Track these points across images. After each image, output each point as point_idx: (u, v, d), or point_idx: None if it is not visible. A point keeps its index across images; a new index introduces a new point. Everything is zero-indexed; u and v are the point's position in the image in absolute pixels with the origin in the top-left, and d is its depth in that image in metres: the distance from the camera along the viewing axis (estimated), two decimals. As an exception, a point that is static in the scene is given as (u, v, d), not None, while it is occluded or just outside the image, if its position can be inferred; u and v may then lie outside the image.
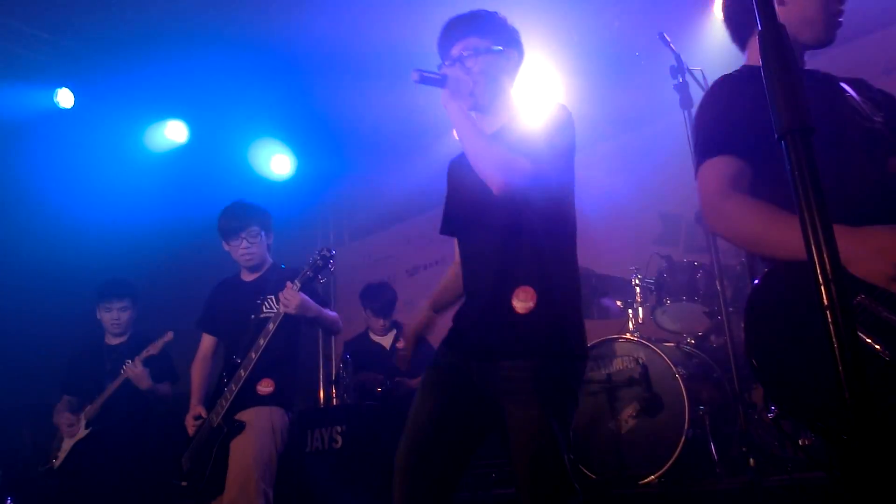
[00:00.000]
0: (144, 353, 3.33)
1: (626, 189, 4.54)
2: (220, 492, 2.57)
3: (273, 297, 2.77)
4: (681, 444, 2.76)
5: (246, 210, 2.93)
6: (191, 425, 2.76)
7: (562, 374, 1.61)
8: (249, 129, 5.00)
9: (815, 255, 0.56)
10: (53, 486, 3.46)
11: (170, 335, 3.37)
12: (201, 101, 4.62)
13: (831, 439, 1.03)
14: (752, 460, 2.52)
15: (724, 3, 1.57)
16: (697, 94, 2.83)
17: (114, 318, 3.56)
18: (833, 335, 0.58)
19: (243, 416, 2.65)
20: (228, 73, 4.34)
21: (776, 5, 0.76)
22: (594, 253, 4.25)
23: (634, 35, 4.15)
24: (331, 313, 2.87)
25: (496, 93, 1.78)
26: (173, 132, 4.75)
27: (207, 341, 3.00)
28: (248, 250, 2.87)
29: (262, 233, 2.92)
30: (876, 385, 0.59)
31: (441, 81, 1.67)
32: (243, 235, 2.86)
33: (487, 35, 1.77)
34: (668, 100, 3.04)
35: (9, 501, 3.73)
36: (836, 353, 0.57)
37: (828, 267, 0.56)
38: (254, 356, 2.63)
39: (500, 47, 1.77)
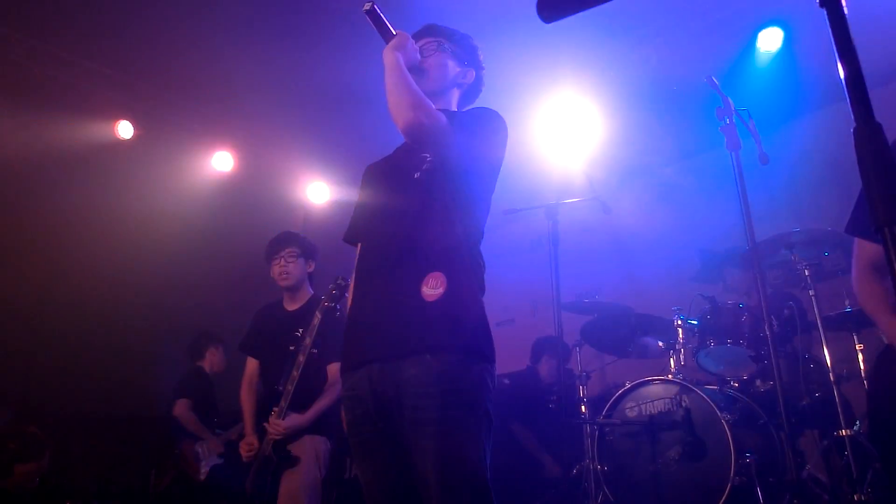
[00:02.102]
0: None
1: (667, 223, 4.51)
2: None
3: (310, 337, 2.83)
4: (726, 492, 2.68)
5: (289, 235, 3.13)
6: (245, 452, 2.84)
7: (474, 386, 1.50)
8: (292, 159, 5.14)
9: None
10: None
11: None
12: (246, 133, 4.79)
13: None
14: (803, 513, 2.43)
15: None
16: (744, 134, 2.81)
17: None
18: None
19: (297, 446, 2.75)
20: (273, 106, 4.49)
21: None
22: (636, 288, 4.22)
23: (674, 68, 4.16)
24: (324, 401, 2.84)
25: (440, 87, 1.80)
26: (220, 162, 4.93)
27: (252, 364, 3.10)
28: (284, 268, 3.00)
29: (302, 258, 3.05)
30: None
31: (387, 31, 1.69)
32: (282, 255, 3.02)
33: (454, 43, 1.85)
34: (710, 135, 3.03)
35: None
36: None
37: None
38: (290, 388, 2.71)
39: (458, 52, 1.84)
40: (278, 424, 2.71)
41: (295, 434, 2.74)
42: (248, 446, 2.84)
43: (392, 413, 1.52)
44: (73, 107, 4.10)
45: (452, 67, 1.84)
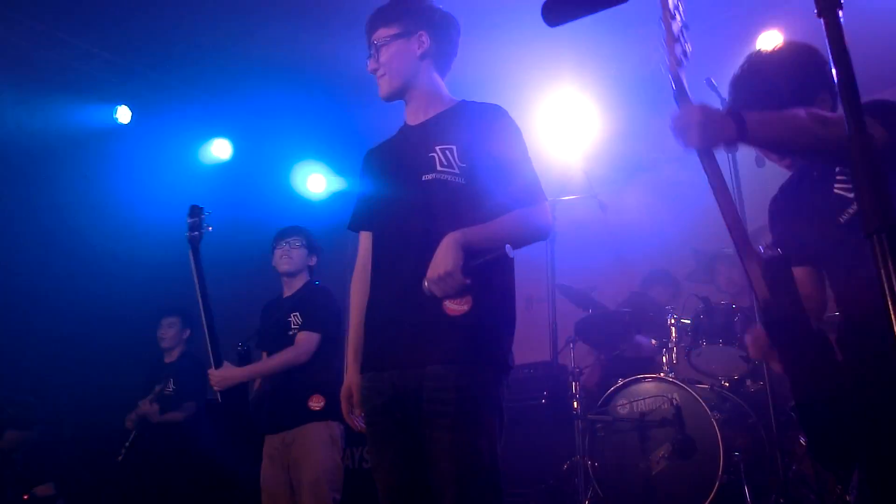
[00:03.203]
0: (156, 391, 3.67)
1: (663, 222, 4.53)
2: None
3: (298, 312, 2.96)
4: (714, 490, 2.72)
5: (296, 227, 3.21)
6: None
7: (489, 388, 1.55)
8: (290, 148, 5.13)
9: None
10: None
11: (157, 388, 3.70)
12: (245, 121, 4.77)
13: None
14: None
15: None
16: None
17: (161, 334, 3.84)
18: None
19: (302, 432, 2.80)
20: (272, 93, 4.47)
21: None
22: (631, 287, 4.23)
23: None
24: (269, 363, 2.95)
25: (405, 78, 1.75)
26: (219, 150, 4.92)
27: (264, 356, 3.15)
28: (287, 253, 3.07)
29: (306, 248, 3.12)
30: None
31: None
32: (287, 240, 3.09)
33: (392, 23, 1.76)
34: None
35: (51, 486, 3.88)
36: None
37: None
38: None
39: (399, 31, 1.74)
40: (213, 377, 2.81)
41: (227, 385, 2.81)
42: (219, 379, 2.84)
43: (410, 405, 1.56)
44: (72, 90, 4.09)
45: (404, 49, 1.75)
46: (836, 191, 1.44)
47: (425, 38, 1.76)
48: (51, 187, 4.14)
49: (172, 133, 4.62)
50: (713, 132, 1.23)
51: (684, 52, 1.35)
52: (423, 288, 1.52)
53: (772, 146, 1.41)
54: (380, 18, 1.79)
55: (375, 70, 1.77)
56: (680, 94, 1.32)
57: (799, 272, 1.51)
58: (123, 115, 4.42)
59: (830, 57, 0.66)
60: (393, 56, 1.74)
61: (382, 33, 1.76)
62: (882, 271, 0.60)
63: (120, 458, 3.65)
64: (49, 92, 4.05)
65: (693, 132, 1.24)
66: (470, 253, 1.54)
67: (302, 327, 2.92)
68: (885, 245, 0.60)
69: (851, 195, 1.39)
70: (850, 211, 1.40)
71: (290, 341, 2.90)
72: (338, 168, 5.39)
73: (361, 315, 1.75)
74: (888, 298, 0.59)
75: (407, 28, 1.76)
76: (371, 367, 1.67)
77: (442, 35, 1.79)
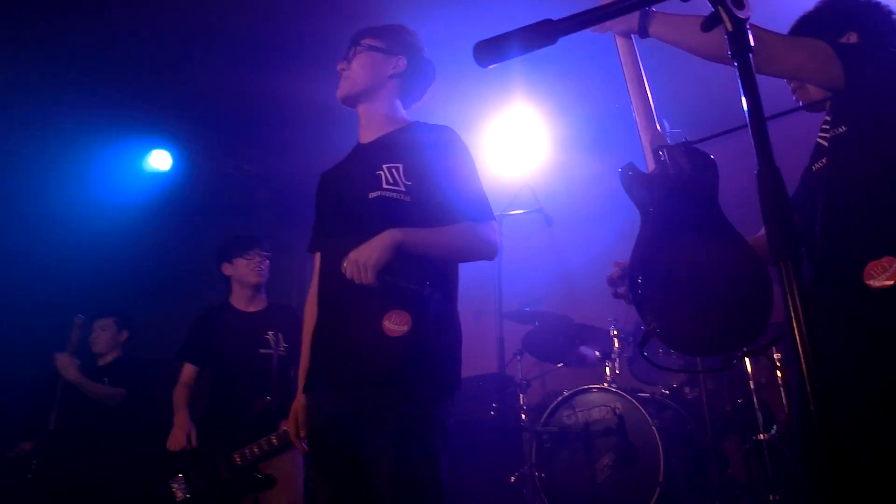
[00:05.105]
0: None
1: (607, 237, 4.67)
2: None
3: (279, 333, 2.81)
4: (655, 496, 2.81)
5: (258, 237, 3.04)
6: (180, 442, 2.67)
7: (430, 407, 1.55)
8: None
9: (804, 369, 0.63)
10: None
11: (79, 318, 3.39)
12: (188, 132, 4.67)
13: None
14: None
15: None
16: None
17: (94, 338, 3.59)
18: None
19: (276, 463, 2.64)
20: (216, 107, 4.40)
21: None
22: (574, 301, 4.34)
23: (618, 87, 4.32)
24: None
25: (367, 87, 1.78)
26: (158, 160, 4.78)
27: (190, 371, 2.93)
28: (260, 265, 2.90)
29: (269, 261, 2.97)
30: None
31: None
32: (256, 251, 2.92)
33: (379, 37, 1.82)
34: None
35: None
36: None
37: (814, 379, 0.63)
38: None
39: (382, 46, 1.80)
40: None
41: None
42: (177, 440, 2.66)
43: (350, 425, 1.56)
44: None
45: (378, 62, 1.79)
46: (818, 139, 1.52)
47: (402, 63, 1.81)
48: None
49: (111, 139, 4.48)
50: (621, 19, 1.52)
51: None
52: (342, 265, 1.54)
53: (670, 43, 1.52)
54: (371, 30, 1.85)
55: (343, 70, 1.80)
56: None
57: None
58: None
59: (744, 98, 0.71)
60: (365, 64, 1.79)
61: (367, 41, 1.81)
62: (788, 297, 0.65)
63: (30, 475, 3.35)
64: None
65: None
66: (405, 253, 1.55)
67: (293, 356, 2.74)
68: (790, 272, 0.65)
69: (826, 144, 1.49)
70: (823, 161, 1.47)
71: (261, 361, 2.74)
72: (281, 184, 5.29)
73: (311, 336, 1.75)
74: (793, 322, 0.64)
75: (391, 47, 1.81)
76: (313, 387, 1.66)
77: (418, 70, 1.85)
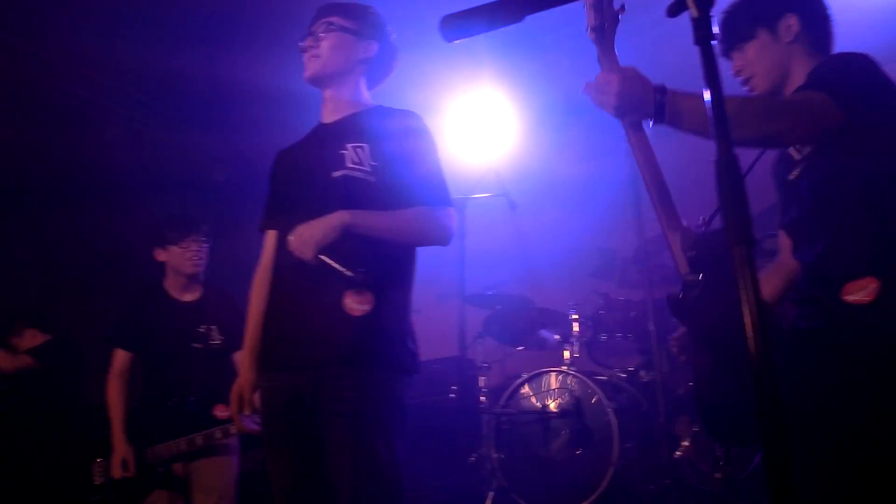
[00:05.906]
0: None
1: (570, 221, 4.72)
2: None
3: (213, 326, 2.68)
4: (609, 476, 2.89)
5: (197, 217, 2.82)
6: (118, 470, 2.53)
7: (389, 388, 1.55)
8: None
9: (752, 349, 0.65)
10: None
11: None
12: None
13: None
14: (674, 493, 2.67)
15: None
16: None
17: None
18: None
19: (204, 468, 2.58)
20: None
21: None
22: (536, 285, 4.39)
23: (585, 73, 4.34)
24: None
25: (337, 69, 1.76)
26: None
27: (124, 358, 2.70)
28: (197, 253, 2.70)
29: (207, 245, 2.77)
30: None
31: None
32: (193, 237, 2.70)
33: (351, 18, 1.77)
34: (615, 138, 3.21)
35: None
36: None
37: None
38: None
39: (355, 28, 1.76)
40: None
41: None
42: (121, 465, 2.51)
43: (307, 405, 1.54)
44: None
45: (349, 45, 1.76)
46: (789, 150, 1.45)
47: (373, 48, 1.79)
48: None
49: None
50: (630, 105, 1.17)
51: (614, 15, 1.26)
52: (289, 238, 1.53)
53: (691, 133, 1.22)
54: (341, 7, 1.79)
55: (310, 48, 1.74)
56: (604, 54, 1.24)
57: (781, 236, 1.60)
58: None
59: (706, 86, 0.72)
60: (336, 45, 1.74)
61: (337, 20, 1.75)
62: (740, 280, 0.67)
63: None
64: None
65: (609, 101, 1.18)
66: (350, 236, 1.53)
67: (230, 347, 2.64)
68: (743, 256, 0.66)
69: (798, 157, 1.41)
70: (796, 172, 1.42)
71: (190, 356, 2.61)
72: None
73: (260, 314, 1.71)
74: (745, 305, 0.65)
75: (362, 30, 1.78)
76: (269, 367, 1.64)
77: (385, 55, 1.83)
